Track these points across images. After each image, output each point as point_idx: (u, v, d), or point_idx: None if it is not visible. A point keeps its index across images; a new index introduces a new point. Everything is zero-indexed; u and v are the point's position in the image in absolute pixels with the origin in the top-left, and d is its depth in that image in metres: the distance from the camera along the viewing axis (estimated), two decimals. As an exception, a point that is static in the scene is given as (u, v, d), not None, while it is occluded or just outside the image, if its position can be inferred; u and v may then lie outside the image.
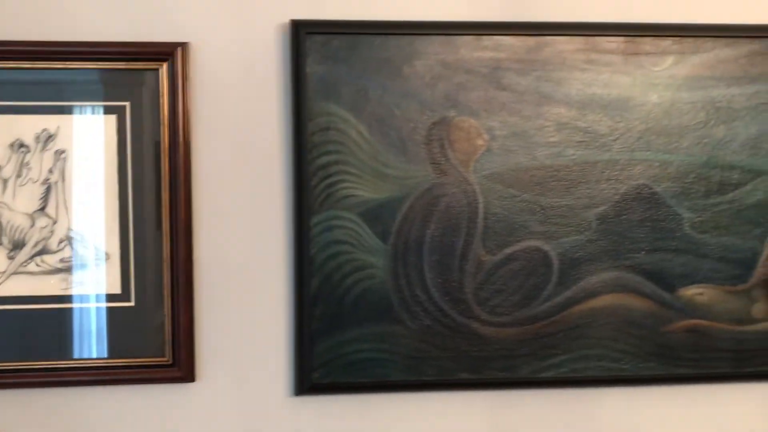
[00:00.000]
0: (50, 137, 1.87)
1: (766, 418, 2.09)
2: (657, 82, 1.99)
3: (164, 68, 1.88)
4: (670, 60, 1.99)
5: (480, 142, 1.96)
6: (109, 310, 1.90)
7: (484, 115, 1.95)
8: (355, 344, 1.95)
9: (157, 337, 1.91)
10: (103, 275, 1.89)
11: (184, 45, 1.88)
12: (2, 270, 1.87)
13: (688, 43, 1.99)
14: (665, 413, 2.06)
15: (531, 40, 1.95)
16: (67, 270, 1.89)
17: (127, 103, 1.89)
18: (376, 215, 1.93)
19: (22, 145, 1.87)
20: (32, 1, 1.87)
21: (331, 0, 1.93)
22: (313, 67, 1.90)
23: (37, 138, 1.87)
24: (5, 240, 1.87)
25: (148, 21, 1.89)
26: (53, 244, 1.88)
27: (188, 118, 1.89)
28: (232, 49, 1.92)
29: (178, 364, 1.91)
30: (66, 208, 1.88)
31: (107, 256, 1.89)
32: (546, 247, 1.98)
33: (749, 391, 2.08)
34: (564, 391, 2.02)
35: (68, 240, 1.88)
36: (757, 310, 2.05)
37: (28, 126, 1.87)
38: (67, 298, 1.89)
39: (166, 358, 1.91)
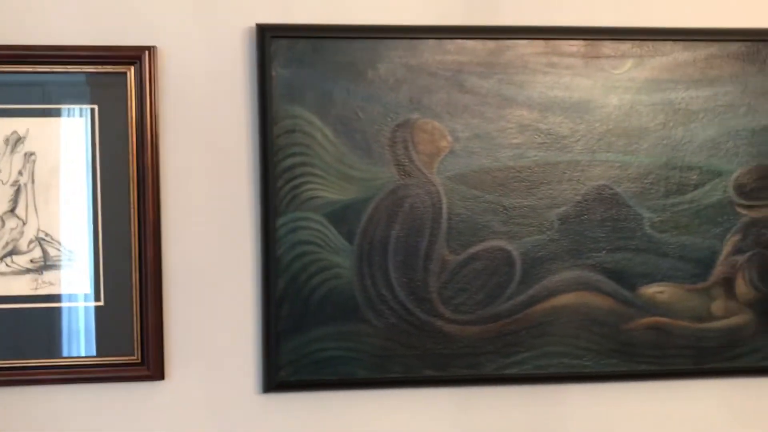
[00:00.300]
0: (20, 140, 1.90)
1: (726, 413, 2.13)
2: (617, 85, 2.02)
3: (132, 72, 1.91)
4: (629, 63, 2.03)
5: (443, 143, 1.99)
6: (79, 309, 1.93)
7: (447, 117, 1.99)
8: (321, 342, 1.98)
9: (127, 336, 1.94)
10: (72, 275, 1.93)
11: (151, 49, 1.91)
12: (-27, 270, 1.91)
13: (648, 46, 2.03)
14: (627, 409, 2.10)
15: (492, 44, 1.99)
16: (37, 270, 1.91)
17: (95, 106, 1.92)
18: (341, 216, 1.97)
19: (-9, 148, 1.90)
20: (0, 5, 1.90)
21: (297, 4, 1.96)
22: (278, 71, 1.93)
23: (7, 140, 1.90)
24: (-25, 241, 1.91)
25: (117, 25, 1.92)
26: (23, 244, 1.91)
27: (156, 121, 1.92)
28: (200, 52, 1.95)
29: (147, 363, 1.94)
30: (35, 209, 1.91)
31: (77, 257, 1.92)
32: (509, 246, 2.02)
33: (709, 387, 2.12)
34: (527, 388, 2.06)
35: (38, 241, 1.91)
36: (717, 307, 2.08)
37: (-3, 128, 1.90)
38: (37, 298, 1.91)
39: (135, 357, 1.94)
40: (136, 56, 1.91)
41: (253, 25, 1.94)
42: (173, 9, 1.94)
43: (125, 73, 1.91)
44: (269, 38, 1.92)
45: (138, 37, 1.92)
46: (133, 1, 1.93)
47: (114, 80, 1.91)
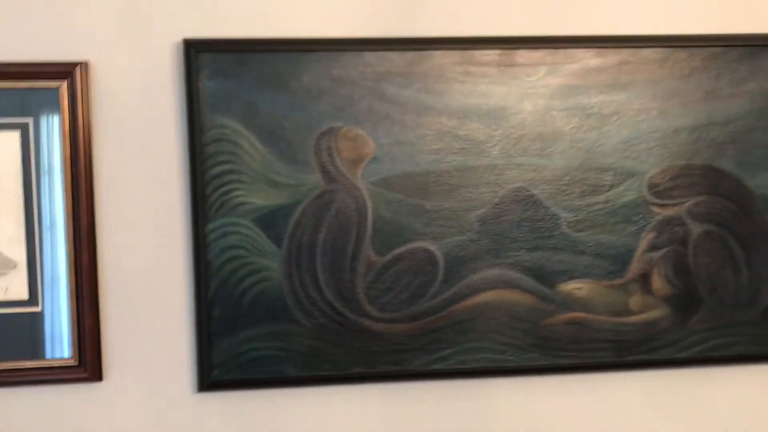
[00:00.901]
0: (-44, 153, 1.98)
1: (645, 404, 2.21)
2: (531, 92, 2.11)
3: (65, 86, 1.99)
4: (543, 70, 2.12)
5: (367, 150, 2.08)
6: (18, 315, 2.01)
7: (369, 125, 2.07)
8: (253, 343, 2.06)
9: (65, 340, 2.02)
10: (10, 282, 2.00)
11: (83, 64, 1.99)
12: None
13: (560, 54, 2.11)
14: (550, 401, 2.18)
15: (411, 55, 2.07)
16: (-24, 278, 2.00)
17: (29, 120, 2.00)
18: (269, 221, 2.05)
19: (-73, 161, 1.97)
20: (-65, 25, 1.98)
21: (223, 19, 2.04)
22: (205, 83, 2.01)
23: (-56, 154, 1.98)
24: None
25: (49, 41, 1.99)
26: (-38, 253, 1.99)
27: (89, 133, 2.00)
28: (130, 66, 2.02)
29: (84, 365, 2.02)
30: (-27, 219, 1.99)
31: (14, 264, 2.00)
32: (431, 247, 2.10)
33: (629, 379, 2.20)
34: (452, 382, 2.14)
35: (-24, 250, 1.99)
36: (634, 302, 2.17)
37: (-66, 143, 1.97)
38: (-23, 305, 2.00)
39: (73, 360, 2.02)
40: (69, 71, 1.98)
41: (180, 40, 2.02)
42: (104, 25, 2.01)
43: (58, 88, 1.99)
44: (195, 52, 2.00)
45: (70, 53, 2.00)
46: (65, 18, 2.00)
47: (47, 94, 1.99)
